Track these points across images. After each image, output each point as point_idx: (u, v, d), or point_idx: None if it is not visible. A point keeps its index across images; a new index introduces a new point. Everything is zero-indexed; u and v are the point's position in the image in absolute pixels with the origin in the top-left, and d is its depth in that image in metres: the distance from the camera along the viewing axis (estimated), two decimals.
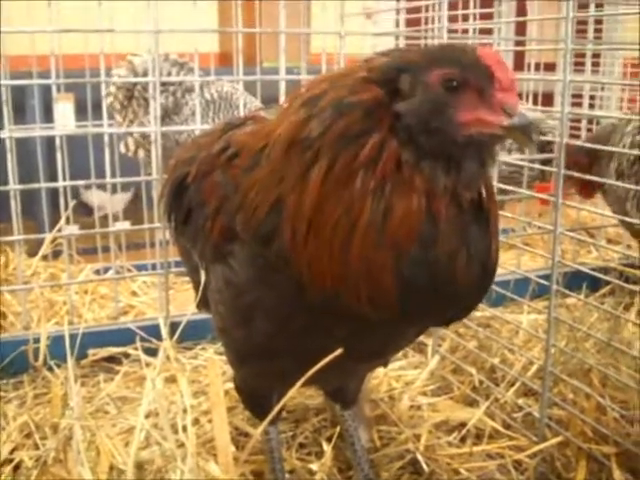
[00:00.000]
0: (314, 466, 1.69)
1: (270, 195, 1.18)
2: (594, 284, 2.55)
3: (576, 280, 2.32)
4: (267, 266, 1.21)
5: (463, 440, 1.89)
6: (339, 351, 1.16)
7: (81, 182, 2.46)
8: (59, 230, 2.35)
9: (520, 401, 2.00)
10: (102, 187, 3.51)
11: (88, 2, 2.45)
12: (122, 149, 2.91)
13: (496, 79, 1.12)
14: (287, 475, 1.70)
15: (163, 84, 2.67)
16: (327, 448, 1.67)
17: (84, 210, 4.09)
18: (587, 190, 2.90)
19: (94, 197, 3.95)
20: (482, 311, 2.35)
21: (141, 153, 2.88)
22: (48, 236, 2.34)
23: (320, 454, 1.80)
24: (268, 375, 1.45)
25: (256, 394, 1.57)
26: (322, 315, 1.19)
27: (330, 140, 1.13)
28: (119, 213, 3.24)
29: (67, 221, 2.55)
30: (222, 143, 1.39)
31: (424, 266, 1.13)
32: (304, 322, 1.24)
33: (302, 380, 1.20)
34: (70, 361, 1.62)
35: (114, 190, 2.62)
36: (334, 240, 1.13)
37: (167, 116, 2.89)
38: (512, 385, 2.07)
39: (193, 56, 2.44)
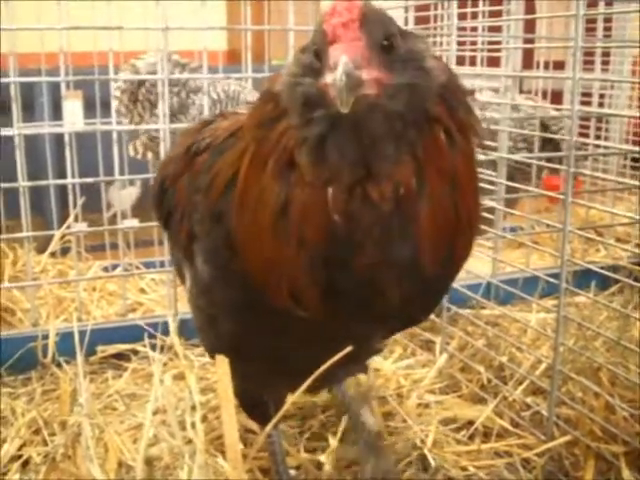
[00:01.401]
0: (322, 457, 1.68)
1: (224, 177, 1.21)
2: (603, 283, 2.54)
3: (585, 279, 2.32)
4: (222, 262, 1.23)
5: (471, 438, 1.89)
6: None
7: (90, 179, 2.46)
8: (68, 227, 2.36)
9: (528, 399, 2.00)
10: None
11: (97, 0, 2.46)
12: (131, 152, 2.91)
13: (324, 31, 1.02)
14: (294, 471, 1.71)
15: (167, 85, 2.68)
16: (333, 441, 1.67)
17: (93, 207, 4.10)
18: None
19: (115, 199, 3.95)
20: (491, 309, 2.34)
21: (149, 155, 2.89)
22: (57, 233, 2.34)
23: (327, 449, 1.80)
24: (249, 378, 1.43)
25: (249, 399, 1.56)
26: (270, 313, 1.16)
27: (250, 126, 1.14)
28: (127, 210, 3.24)
29: (76, 218, 2.56)
30: (190, 140, 1.42)
31: (342, 271, 1.08)
32: (260, 321, 1.23)
33: (298, 388, 1.20)
34: (79, 358, 1.62)
35: (122, 186, 2.62)
36: (254, 226, 1.12)
37: (173, 116, 2.88)
38: (520, 383, 2.07)
39: (201, 54, 2.44)
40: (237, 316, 1.28)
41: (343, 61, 0.96)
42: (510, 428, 1.91)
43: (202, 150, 1.36)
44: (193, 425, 1.56)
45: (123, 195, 3.96)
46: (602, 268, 2.08)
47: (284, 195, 1.08)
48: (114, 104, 2.85)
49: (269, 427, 1.31)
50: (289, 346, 1.23)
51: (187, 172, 1.38)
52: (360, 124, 1.02)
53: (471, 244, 1.20)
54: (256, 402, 1.56)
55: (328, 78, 0.98)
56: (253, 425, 1.86)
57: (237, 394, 1.50)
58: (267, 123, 1.11)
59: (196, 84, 2.82)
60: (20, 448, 1.79)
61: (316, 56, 1.04)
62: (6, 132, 2.26)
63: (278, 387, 1.46)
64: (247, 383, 1.44)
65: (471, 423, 1.92)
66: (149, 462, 1.43)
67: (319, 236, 1.06)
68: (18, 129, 2.27)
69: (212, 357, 1.46)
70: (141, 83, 2.80)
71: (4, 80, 2.22)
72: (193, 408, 1.66)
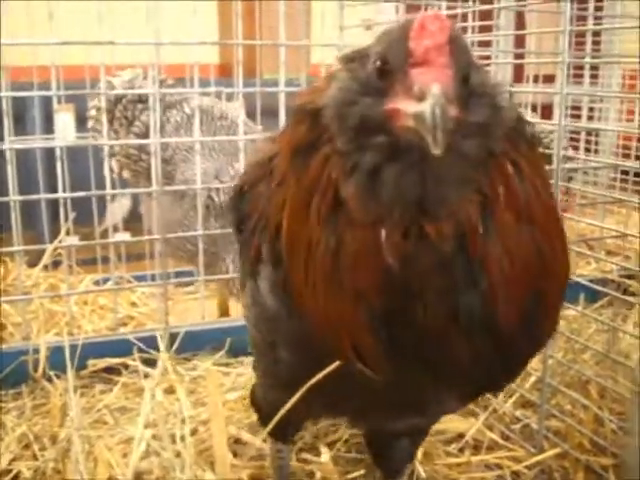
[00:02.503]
0: (314, 466, 1.69)
1: (274, 220, 1.07)
2: (592, 296, 2.54)
3: (574, 292, 2.32)
4: (285, 300, 1.09)
5: (462, 450, 1.89)
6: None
7: (81, 193, 2.46)
8: (60, 241, 2.36)
9: (518, 412, 2.00)
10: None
11: (88, 14, 2.47)
12: (106, 170, 2.91)
13: (410, 50, 0.87)
14: None
15: (143, 101, 2.68)
16: (325, 450, 1.67)
17: (79, 220, 4.11)
18: None
19: (116, 212, 3.94)
20: None
21: (126, 174, 2.87)
22: (49, 247, 2.34)
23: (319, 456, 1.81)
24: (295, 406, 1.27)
25: (274, 415, 1.45)
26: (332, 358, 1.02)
27: (287, 153, 1.03)
28: (119, 223, 3.24)
29: (67, 232, 2.56)
30: (272, 150, 1.20)
31: (403, 325, 0.95)
32: (322, 364, 1.04)
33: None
34: (70, 372, 1.62)
35: (112, 199, 2.62)
36: (306, 276, 1.00)
37: (149, 133, 2.88)
38: (510, 396, 2.07)
39: (193, 67, 2.46)
40: (298, 352, 1.14)
41: (437, 92, 0.83)
42: (500, 441, 1.92)
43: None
44: (183, 438, 1.57)
45: (115, 207, 3.96)
46: (591, 281, 2.09)
47: (334, 240, 0.95)
48: (90, 123, 2.84)
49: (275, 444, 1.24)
50: (347, 395, 1.11)
51: (265, 180, 1.19)
52: (426, 161, 0.88)
53: (562, 296, 1.05)
54: (282, 422, 1.47)
55: (403, 105, 0.87)
56: (242, 435, 1.87)
57: (262, 408, 1.44)
58: (305, 149, 0.99)
59: (171, 100, 2.82)
60: (10, 463, 1.78)
61: (381, 74, 0.91)
62: None
63: (318, 417, 1.32)
64: (282, 403, 1.20)
65: (461, 436, 1.93)
66: (139, 476, 1.43)
67: (375, 285, 0.94)
68: (9, 143, 2.27)
69: (265, 382, 1.38)
70: (118, 101, 2.80)
71: None
72: (183, 422, 1.67)
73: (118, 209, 3.90)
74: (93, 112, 2.78)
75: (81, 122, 3.14)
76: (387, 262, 0.93)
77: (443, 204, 0.92)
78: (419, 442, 1.48)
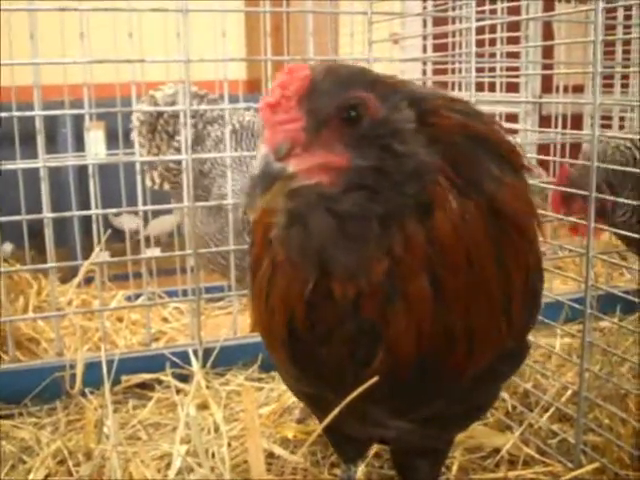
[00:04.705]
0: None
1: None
2: (628, 307, 2.52)
3: (610, 303, 2.30)
4: None
5: (497, 466, 1.87)
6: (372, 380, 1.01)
7: (113, 210, 2.48)
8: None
9: (555, 427, 1.97)
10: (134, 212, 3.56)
11: (119, 32, 2.50)
12: (148, 183, 2.94)
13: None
14: None
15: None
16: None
17: (116, 236, 4.15)
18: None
19: (125, 222, 3.99)
20: None
21: (166, 186, 2.90)
22: (83, 264, 2.36)
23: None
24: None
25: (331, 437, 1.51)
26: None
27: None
28: (162, 238, 3.26)
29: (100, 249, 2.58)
30: None
31: (307, 354, 1.07)
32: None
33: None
34: (107, 387, 1.63)
35: (155, 215, 2.62)
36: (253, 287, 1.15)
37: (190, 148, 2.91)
38: (546, 410, 2.05)
39: (222, 84, 2.47)
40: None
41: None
42: (536, 456, 1.89)
43: None
44: (219, 454, 1.57)
45: (161, 222, 4.01)
46: (626, 293, 2.06)
47: (271, 268, 1.06)
48: (132, 135, 2.87)
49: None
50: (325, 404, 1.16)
51: None
52: (308, 223, 0.93)
53: (471, 358, 1.03)
54: (337, 442, 1.52)
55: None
56: (274, 449, 1.86)
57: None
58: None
59: (212, 115, 2.85)
60: (45, 478, 1.79)
61: None
62: (32, 164, 2.30)
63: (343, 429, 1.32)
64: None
65: (497, 451, 1.90)
66: None
67: (283, 317, 1.05)
68: (43, 161, 2.29)
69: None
70: (159, 114, 2.83)
71: (29, 113, 2.25)
72: (219, 437, 1.66)
73: (166, 224, 3.95)
74: (137, 123, 2.82)
75: (111, 139, 3.18)
76: (298, 306, 1.02)
77: (341, 265, 0.95)
78: (439, 461, 1.47)
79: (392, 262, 0.94)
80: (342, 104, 0.90)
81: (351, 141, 0.90)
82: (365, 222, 0.93)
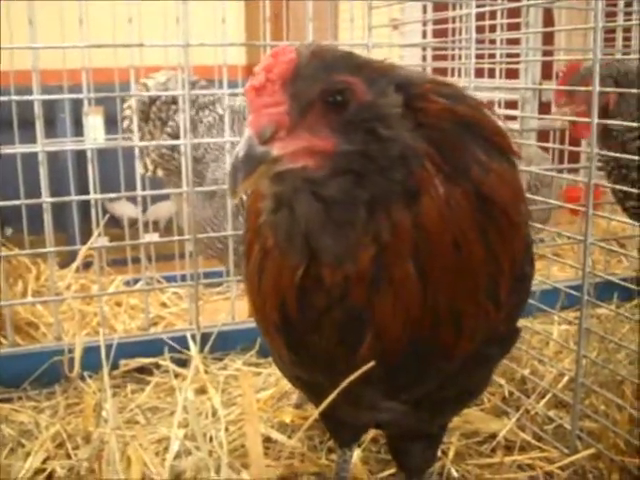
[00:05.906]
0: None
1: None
2: (625, 295, 2.52)
3: (607, 290, 2.30)
4: None
5: (494, 451, 1.88)
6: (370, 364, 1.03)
7: (112, 195, 2.48)
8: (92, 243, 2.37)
9: (551, 413, 1.99)
10: (131, 199, 3.56)
11: (118, 17, 2.49)
12: (141, 170, 2.93)
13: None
14: (314, 477, 1.73)
15: (176, 103, 2.69)
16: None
17: (114, 221, 4.16)
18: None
19: (121, 208, 4.00)
20: None
21: (160, 172, 2.90)
22: (82, 249, 2.36)
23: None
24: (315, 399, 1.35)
25: (327, 422, 1.53)
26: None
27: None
28: (161, 223, 3.26)
29: (98, 233, 2.58)
30: None
31: (299, 340, 1.08)
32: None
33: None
34: (105, 371, 1.63)
35: (153, 201, 2.62)
36: (246, 272, 1.16)
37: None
38: (543, 397, 2.05)
39: (221, 68, 2.46)
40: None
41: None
42: (533, 441, 1.90)
43: None
44: (216, 438, 1.57)
45: (160, 207, 4.01)
46: (624, 280, 2.07)
47: (262, 253, 1.07)
48: (124, 123, 2.86)
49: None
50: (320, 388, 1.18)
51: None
52: (295, 208, 0.95)
53: (459, 342, 1.05)
54: (333, 427, 1.54)
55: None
56: (271, 434, 1.87)
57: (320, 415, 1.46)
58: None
59: (204, 101, 2.84)
60: (44, 462, 1.80)
61: None
62: (31, 149, 2.29)
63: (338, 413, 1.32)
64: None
65: (493, 436, 1.91)
66: (174, 476, 1.43)
67: (275, 303, 1.06)
68: (41, 146, 2.29)
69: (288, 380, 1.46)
70: (152, 102, 2.82)
71: (28, 98, 2.24)
72: (216, 421, 1.67)
73: (164, 210, 3.95)
74: (128, 112, 2.81)
75: (110, 124, 3.17)
76: (289, 291, 1.02)
77: (329, 250, 0.96)
78: (434, 446, 1.48)
79: (379, 248, 0.95)
80: (327, 88, 0.90)
81: (337, 125, 0.90)
82: (352, 207, 0.94)
